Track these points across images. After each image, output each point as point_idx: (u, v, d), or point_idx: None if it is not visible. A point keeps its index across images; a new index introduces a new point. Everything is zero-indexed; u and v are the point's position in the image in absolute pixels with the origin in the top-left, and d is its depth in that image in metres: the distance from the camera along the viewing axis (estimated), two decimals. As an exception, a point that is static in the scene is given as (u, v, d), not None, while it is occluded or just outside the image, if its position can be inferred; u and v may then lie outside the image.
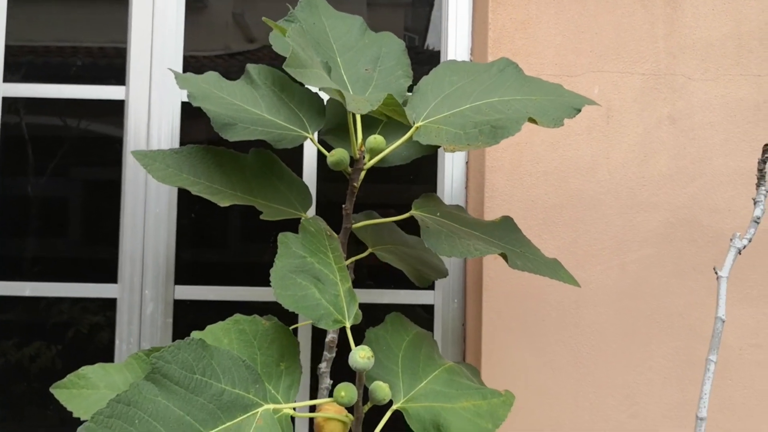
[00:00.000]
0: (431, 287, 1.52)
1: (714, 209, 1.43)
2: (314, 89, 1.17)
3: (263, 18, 0.93)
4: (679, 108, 1.45)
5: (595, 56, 1.45)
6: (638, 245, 1.42)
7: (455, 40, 1.55)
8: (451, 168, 1.52)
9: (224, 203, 1.02)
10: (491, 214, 1.42)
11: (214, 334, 0.94)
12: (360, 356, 0.86)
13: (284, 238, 0.98)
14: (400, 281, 1.53)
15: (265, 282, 1.57)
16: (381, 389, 0.93)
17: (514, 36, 1.45)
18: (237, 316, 0.97)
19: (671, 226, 1.43)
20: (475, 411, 1.01)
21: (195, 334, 0.94)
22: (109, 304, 1.50)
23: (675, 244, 1.43)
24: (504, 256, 1.00)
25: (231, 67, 1.61)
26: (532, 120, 0.97)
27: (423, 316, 1.53)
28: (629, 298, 1.42)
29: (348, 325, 0.93)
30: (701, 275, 1.42)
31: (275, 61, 1.69)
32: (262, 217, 1.03)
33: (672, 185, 1.43)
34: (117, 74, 1.53)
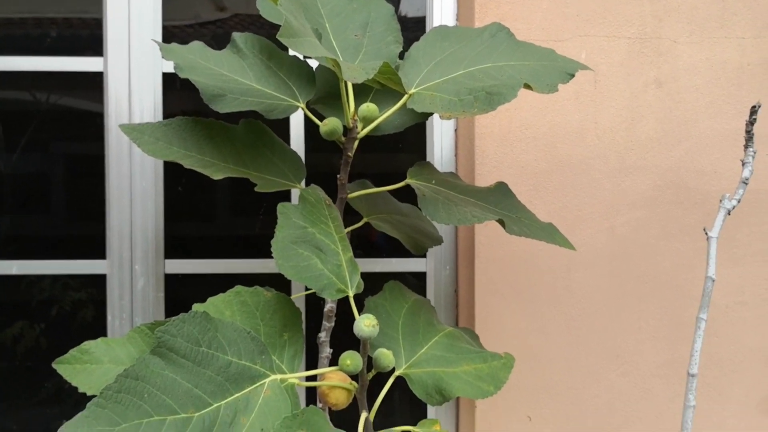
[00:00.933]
0: (423, 255, 1.53)
1: (700, 171, 1.45)
2: (302, 57, 1.15)
3: (256, -16, 0.91)
4: (665, 71, 1.46)
5: (582, 20, 1.45)
6: (627, 208, 1.44)
7: (441, 5, 1.53)
8: (441, 136, 1.51)
9: (217, 176, 1.00)
10: (482, 180, 1.42)
11: (216, 306, 0.94)
12: (365, 324, 0.86)
13: (284, 208, 0.97)
14: (392, 250, 1.54)
15: (255, 254, 1.57)
16: (385, 356, 0.93)
17: (501, 1, 1.43)
18: (238, 287, 0.96)
19: (659, 189, 1.45)
20: (477, 374, 1.03)
21: (196, 307, 0.93)
22: (99, 281, 1.49)
23: (663, 206, 1.45)
24: (501, 222, 1.01)
25: (201, 37, 1.57)
26: (527, 86, 0.97)
27: (415, 283, 1.54)
28: (619, 261, 1.44)
29: (351, 294, 0.93)
30: (688, 237, 1.45)
31: (247, 29, 1.67)
32: (257, 189, 1.02)
33: (659, 148, 1.45)
34: (94, 45, 1.49)
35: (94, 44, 1.50)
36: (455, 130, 1.52)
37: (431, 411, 1.53)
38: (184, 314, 0.84)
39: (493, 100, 0.94)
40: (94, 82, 1.49)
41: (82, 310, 1.52)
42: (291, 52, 1.13)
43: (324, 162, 1.54)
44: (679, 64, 1.46)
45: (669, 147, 1.45)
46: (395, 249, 1.54)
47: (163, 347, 0.81)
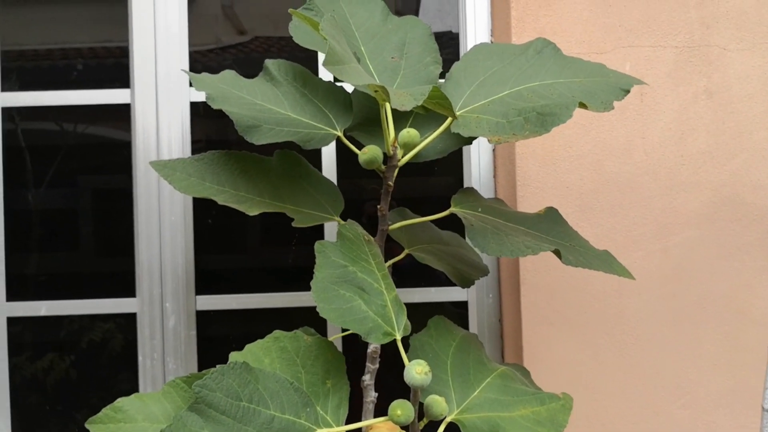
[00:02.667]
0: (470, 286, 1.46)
1: (757, 185, 1.36)
2: (336, 81, 1.10)
3: (290, 10, 0.85)
4: (716, 81, 1.37)
5: (625, 30, 1.37)
6: (680, 228, 1.36)
7: (474, 20, 1.47)
8: (479, 156, 1.44)
9: (253, 212, 0.95)
10: (525, 203, 1.35)
11: (254, 353, 0.88)
12: (417, 372, 0.79)
13: (321, 246, 0.91)
14: (431, 278, 1.47)
15: (289, 287, 1.51)
16: (437, 404, 0.86)
17: (538, 13, 1.37)
18: (277, 332, 0.90)
19: (714, 206, 1.36)
20: (535, 418, 0.95)
21: (234, 356, 0.87)
22: (129, 319, 1.44)
23: (718, 224, 1.36)
24: (557, 253, 0.93)
25: (224, 61, 1.53)
26: (581, 105, 0.90)
27: (456, 312, 1.47)
28: (674, 284, 1.36)
29: (398, 337, 0.86)
30: (747, 255, 1.36)
31: (268, 53, 1.63)
32: (294, 224, 0.96)
33: (712, 163, 1.37)
34: (120, 76, 1.46)
35: (120, 75, 1.46)
36: (494, 150, 1.45)
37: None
38: (223, 366, 0.78)
39: (546, 122, 0.87)
40: (121, 113, 1.45)
41: (113, 349, 1.47)
42: (326, 77, 1.07)
43: (354, 188, 1.48)
44: (730, 73, 1.37)
45: (723, 161, 1.37)
46: (422, 274, 1.47)
47: (201, 403, 0.75)
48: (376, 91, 0.84)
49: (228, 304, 1.44)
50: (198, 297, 1.43)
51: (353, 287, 0.87)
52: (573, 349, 1.35)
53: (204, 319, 1.44)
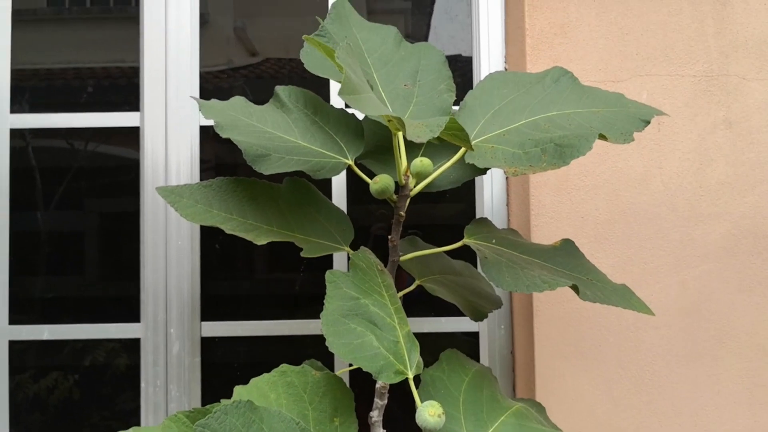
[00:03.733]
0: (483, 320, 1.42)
1: (778, 218, 1.33)
2: (347, 108, 1.08)
3: (304, 36, 0.84)
4: (735, 111, 1.35)
5: (642, 59, 1.35)
6: (699, 260, 1.32)
7: (488, 47, 1.45)
8: (491, 184, 1.42)
9: (261, 241, 0.92)
10: (539, 232, 1.32)
11: (260, 389, 0.85)
12: (429, 414, 0.76)
13: (333, 277, 0.88)
14: (441, 309, 1.44)
15: (296, 314, 1.48)
16: (449, 445, 0.83)
17: (554, 41, 1.35)
18: (284, 367, 0.87)
19: (733, 238, 1.33)
20: (550, 460, 0.91)
21: (238, 390, 0.84)
22: (133, 344, 1.41)
23: (738, 257, 1.32)
24: (575, 288, 0.90)
25: (235, 82, 1.52)
26: (602, 136, 0.87)
27: (466, 342, 1.43)
28: (691, 318, 1.32)
29: (411, 376, 0.83)
30: (768, 290, 1.32)
31: (278, 74, 1.62)
32: (303, 254, 0.94)
33: (732, 194, 1.33)
34: (130, 98, 1.45)
35: (130, 97, 1.45)
36: (507, 178, 1.42)
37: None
38: (226, 404, 0.75)
39: (565, 153, 0.84)
40: (130, 136, 1.44)
41: (116, 374, 1.44)
42: (337, 103, 1.05)
43: (363, 214, 1.46)
44: (749, 103, 1.35)
45: (743, 192, 1.33)
46: (432, 303, 1.44)
47: (203, 444, 0.72)
48: (389, 121, 0.82)
49: (234, 330, 1.41)
50: (203, 323, 1.40)
51: (365, 321, 0.84)
52: (587, 384, 1.31)
53: (209, 345, 1.41)
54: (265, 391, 0.85)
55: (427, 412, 0.76)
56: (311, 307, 1.45)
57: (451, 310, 1.43)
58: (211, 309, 1.42)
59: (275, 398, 0.85)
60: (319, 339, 1.42)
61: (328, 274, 0.89)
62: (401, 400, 1.40)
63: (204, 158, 1.43)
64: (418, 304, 1.44)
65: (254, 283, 1.47)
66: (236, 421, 0.74)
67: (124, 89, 1.48)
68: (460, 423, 0.94)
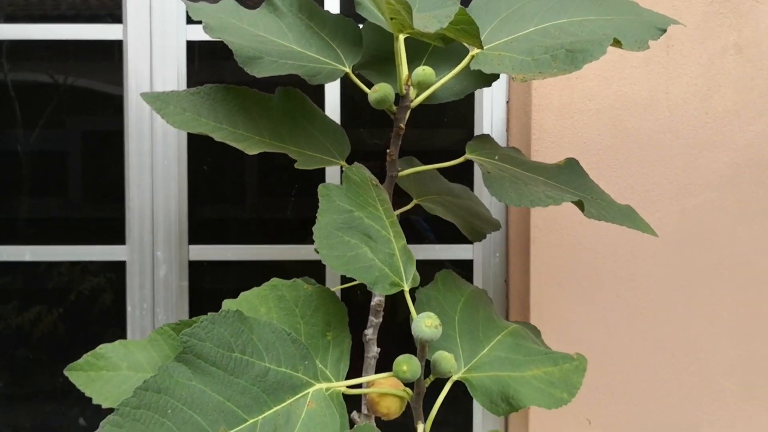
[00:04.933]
0: (470, 241, 1.39)
1: (784, 147, 1.29)
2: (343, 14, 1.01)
3: None
4: (746, 35, 1.29)
5: (653, -23, 1.28)
6: (701, 189, 1.29)
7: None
8: (491, 108, 1.36)
9: (252, 151, 0.87)
10: (539, 157, 1.27)
11: (249, 302, 0.81)
12: (426, 325, 0.73)
13: (326, 190, 0.83)
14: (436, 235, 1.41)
15: (287, 239, 1.45)
16: (446, 360, 0.80)
17: (562, -45, 1.27)
18: (275, 280, 0.83)
19: (737, 167, 1.29)
20: (547, 379, 0.89)
21: (227, 303, 0.81)
22: (118, 267, 1.37)
23: (741, 186, 1.29)
24: (579, 204, 0.87)
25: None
26: (615, 42, 0.82)
27: (460, 273, 1.40)
28: (690, 247, 1.29)
29: (406, 288, 0.80)
30: (769, 220, 1.29)
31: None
32: (297, 165, 0.89)
33: (738, 122, 1.29)
34: (113, 9, 1.36)
35: (113, 8, 1.37)
36: (507, 102, 1.37)
37: (477, 415, 1.40)
38: (214, 314, 0.72)
39: (577, 58, 0.79)
40: (113, 51, 1.36)
41: (101, 299, 1.41)
42: (333, 9, 0.99)
43: (359, 139, 1.40)
44: (761, 27, 1.29)
45: (749, 120, 1.29)
46: (440, 234, 1.41)
47: (189, 353, 0.69)
48: (392, 19, 0.76)
49: (223, 254, 1.37)
50: (191, 246, 1.36)
51: (359, 234, 0.80)
52: (582, 312, 1.29)
53: (197, 269, 1.38)
54: (255, 304, 0.82)
55: (424, 323, 0.73)
56: (302, 232, 1.41)
57: (446, 239, 1.40)
58: (199, 232, 1.38)
59: (265, 312, 0.82)
60: (310, 265, 1.39)
61: (321, 187, 0.84)
62: (394, 324, 1.39)
63: (191, 78, 1.36)
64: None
65: (244, 207, 1.43)
66: (224, 331, 0.71)
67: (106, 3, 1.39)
68: (456, 342, 0.92)
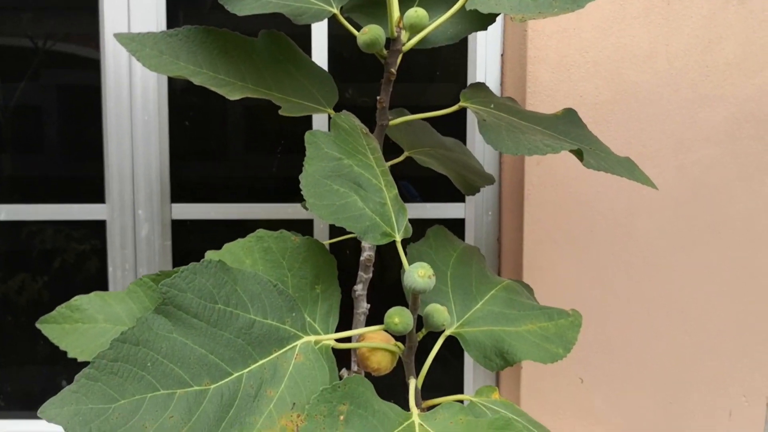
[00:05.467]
0: (461, 199, 1.36)
1: (785, 101, 1.26)
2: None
3: None
4: (750, -16, 1.24)
5: None
6: (700, 144, 1.26)
7: None
8: (485, 61, 1.32)
9: (234, 96, 0.82)
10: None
11: (234, 253, 0.77)
12: (419, 275, 0.69)
13: (313, 137, 0.79)
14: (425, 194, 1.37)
15: (272, 198, 1.40)
16: (439, 313, 0.77)
17: None
18: (260, 231, 0.79)
19: (737, 123, 1.26)
20: (542, 334, 0.86)
21: (210, 255, 0.77)
22: (98, 227, 1.32)
23: (741, 142, 1.26)
24: (578, 153, 0.83)
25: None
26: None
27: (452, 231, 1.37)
28: (688, 205, 1.27)
29: (398, 238, 0.76)
30: (768, 177, 1.26)
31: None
32: (281, 112, 0.84)
33: (738, 75, 1.25)
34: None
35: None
36: (502, 55, 1.32)
37: (468, 374, 1.38)
38: (195, 264, 0.68)
39: (579, -5, 0.74)
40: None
41: (81, 261, 1.36)
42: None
43: (345, 95, 1.35)
44: (765, -24, 1.24)
45: (750, 74, 1.25)
46: (431, 192, 1.37)
47: (169, 305, 0.65)
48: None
49: (206, 213, 1.33)
50: (173, 205, 1.32)
51: (348, 182, 0.76)
52: (576, 271, 1.27)
53: (180, 229, 1.33)
54: (239, 256, 0.78)
55: (416, 273, 0.69)
56: (288, 190, 1.37)
57: (437, 198, 1.36)
58: (181, 190, 1.34)
59: (251, 264, 0.78)
60: (297, 224, 1.35)
61: (307, 134, 0.80)
62: (381, 279, 1.36)
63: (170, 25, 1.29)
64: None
65: (228, 164, 1.38)
66: (206, 282, 0.67)
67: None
68: (448, 297, 0.89)
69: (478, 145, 1.33)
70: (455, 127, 1.32)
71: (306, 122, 1.31)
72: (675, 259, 1.27)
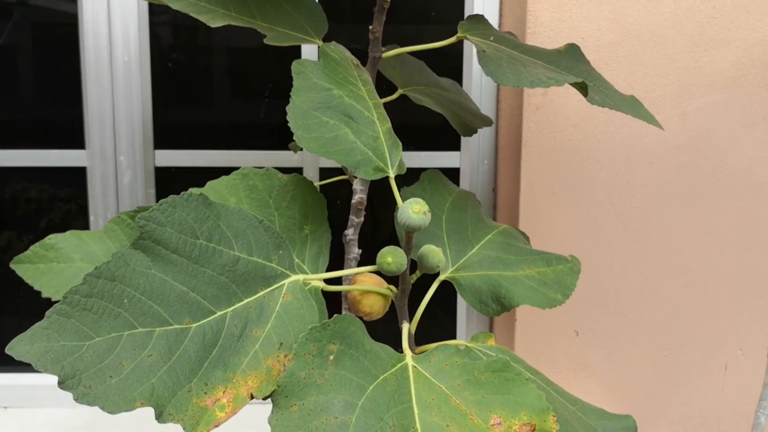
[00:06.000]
0: (456, 147, 1.31)
1: (793, 46, 1.21)
2: None
3: None
4: None
5: None
6: (704, 90, 1.21)
7: None
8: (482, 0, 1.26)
9: (215, 23, 0.77)
10: (533, 55, 1.18)
11: (218, 191, 0.73)
12: (413, 211, 0.65)
13: (300, 66, 0.74)
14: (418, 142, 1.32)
15: (261, 144, 1.35)
16: (434, 254, 0.73)
17: None
18: (245, 169, 0.75)
19: (742, 68, 1.21)
20: (541, 279, 0.83)
21: (191, 191, 0.72)
22: (78, 174, 1.27)
23: (745, 88, 1.21)
24: (582, 88, 0.78)
25: None
26: None
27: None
28: (689, 153, 1.23)
29: (392, 174, 0.71)
30: (773, 125, 1.22)
31: None
32: (266, 41, 0.79)
33: (747, 18, 1.20)
34: None
35: None
36: (500, -6, 1.26)
37: (461, 325, 1.36)
38: (175, 197, 0.63)
39: None
40: None
41: (61, 209, 1.31)
42: None
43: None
44: None
45: (759, 16, 1.20)
46: (424, 141, 1.32)
47: (147, 239, 0.61)
48: None
49: (192, 160, 1.28)
50: (157, 151, 1.27)
51: (339, 114, 0.71)
52: (574, 221, 1.23)
53: (164, 176, 1.28)
54: (223, 194, 0.74)
55: (411, 209, 0.65)
56: (277, 137, 1.31)
57: (430, 146, 1.32)
58: (165, 136, 1.28)
59: (236, 203, 0.73)
60: (286, 173, 1.30)
61: (295, 64, 0.75)
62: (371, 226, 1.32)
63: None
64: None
65: (214, 109, 1.32)
66: (187, 216, 0.63)
67: None
68: (443, 241, 0.85)
69: (475, 91, 1.28)
70: (451, 72, 1.27)
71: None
72: (674, 210, 1.24)
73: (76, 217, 1.30)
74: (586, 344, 1.27)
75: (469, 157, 1.30)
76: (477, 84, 1.27)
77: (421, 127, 1.33)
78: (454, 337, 1.36)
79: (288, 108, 0.71)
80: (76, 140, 1.25)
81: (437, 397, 0.60)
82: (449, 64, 1.29)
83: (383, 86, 0.98)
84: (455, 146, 1.31)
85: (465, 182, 1.31)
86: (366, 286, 0.74)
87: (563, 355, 1.27)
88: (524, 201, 1.22)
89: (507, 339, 1.28)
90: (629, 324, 1.27)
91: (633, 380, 1.28)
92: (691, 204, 1.24)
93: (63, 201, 1.30)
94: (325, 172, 1.29)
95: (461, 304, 1.35)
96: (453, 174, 1.32)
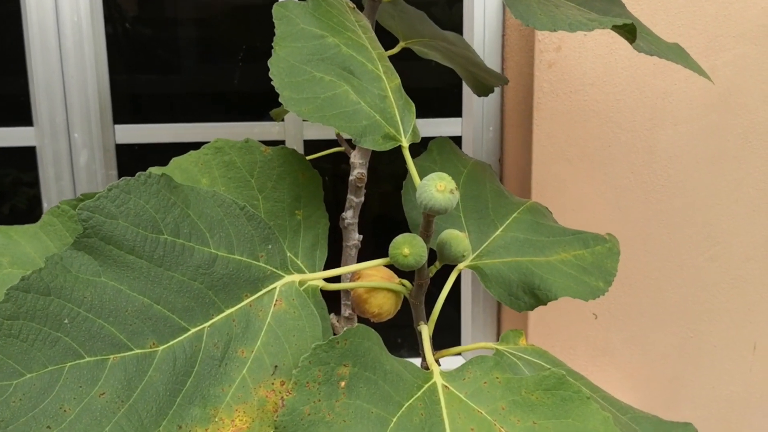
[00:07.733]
0: (457, 114, 1.17)
1: (831, -11, 1.08)
2: None
3: None
4: None
5: None
6: (733, 41, 1.08)
7: None
8: (484, -55, 1.11)
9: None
10: (545, 4, 1.03)
11: (185, 170, 0.58)
12: (438, 189, 0.51)
13: (284, 10, 0.59)
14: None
15: (236, 116, 1.20)
16: (458, 241, 0.59)
17: None
18: (219, 141, 0.60)
19: (776, 15, 1.08)
20: (578, 264, 0.70)
21: (153, 170, 0.57)
22: (27, 155, 1.11)
23: (780, 38, 1.09)
24: (630, 32, 0.64)
25: None
26: None
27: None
28: (717, 113, 1.10)
29: (405, 143, 0.57)
30: (809, 79, 1.10)
31: None
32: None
33: (781, -43, 1.07)
34: None
35: None
36: (504, -63, 1.10)
37: (465, 313, 1.23)
38: (129, 179, 0.48)
39: None
40: None
41: (9, 196, 1.15)
42: None
43: None
44: None
45: (793, -44, 1.07)
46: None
47: (93, 237, 0.46)
48: None
49: (157, 136, 1.12)
50: (117, 126, 1.10)
51: (335, 68, 0.56)
52: (591, 191, 1.11)
53: (126, 155, 1.12)
54: (193, 174, 0.59)
55: (435, 186, 0.51)
56: (253, 106, 1.16)
57: (429, 113, 1.17)
58: (126, 109, 1.12)
59: (209, 184, 0.59)
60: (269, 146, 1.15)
61: (276, 7, 0.60)
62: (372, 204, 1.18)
63: None
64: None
65: (181, 77, 1.16)
66: (146, 204, 0.48)
67: None
68: (461, 223, 0.71)
69: (477, 46, 1.13)
70: (448, 27, 1.12)
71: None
72: (701, 176, 1.12)
73: (32, 206, 1.14)
74: (605, 327, 1.15)
75: (472, 123, 1.16)
76: (480, 39, 1.12)
77: (417, 91, 1.18)
78: (458, 331, 1.23)
79: (270, 62, 0.56)
80: (23, 116, 1.09)
81: (477, 426, 0.47)
82: (443, 17, 1.15)
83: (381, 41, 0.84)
84: (456, 112, 1.17)
85: (468, 152, 1.17)
86: (375, 282, 0.60)
87: (581, 340, 1.16)
88: (536, 171, 1.09)
89: (519, 324, 1.16)
90: (651, 303, 1.15)
91: (656, 364, 1.17)
92: (718, 169, 1.12)
93: (10, 186, 1.14)
94: (310, 146, 1.14)
95: (465, 293, 1.22)
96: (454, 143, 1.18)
